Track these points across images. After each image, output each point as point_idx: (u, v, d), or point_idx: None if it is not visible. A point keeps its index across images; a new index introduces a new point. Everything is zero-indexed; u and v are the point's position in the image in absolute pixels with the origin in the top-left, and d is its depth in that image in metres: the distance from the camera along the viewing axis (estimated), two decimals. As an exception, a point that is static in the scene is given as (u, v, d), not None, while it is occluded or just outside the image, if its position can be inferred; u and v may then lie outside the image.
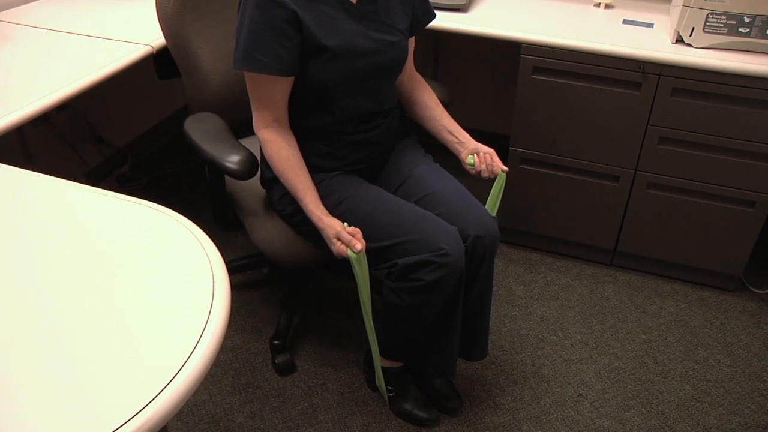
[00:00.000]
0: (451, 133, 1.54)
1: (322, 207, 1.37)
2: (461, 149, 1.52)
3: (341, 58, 1.34)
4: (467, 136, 1.53)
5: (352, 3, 1.36)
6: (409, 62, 1.57)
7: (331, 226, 1.33)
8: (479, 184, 1.57)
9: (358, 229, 1.32)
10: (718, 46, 1.75)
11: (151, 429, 0.74)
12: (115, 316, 0.87)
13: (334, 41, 1.32)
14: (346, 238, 1.31)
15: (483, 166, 1.48)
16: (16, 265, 0.96)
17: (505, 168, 1.49)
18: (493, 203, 1.53)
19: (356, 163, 1.50)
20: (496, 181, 1.50)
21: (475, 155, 1.49)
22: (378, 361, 1.58)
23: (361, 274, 1.35)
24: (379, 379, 1.62)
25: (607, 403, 1.70)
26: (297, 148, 1.40)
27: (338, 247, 1.32)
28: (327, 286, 2.06)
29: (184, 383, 0.78)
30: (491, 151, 1.50)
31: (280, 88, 1.35)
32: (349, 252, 1.31)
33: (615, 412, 1.68)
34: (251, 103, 1.39)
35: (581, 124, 1.92)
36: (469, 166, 1.50)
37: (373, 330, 1.49)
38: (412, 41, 1.55)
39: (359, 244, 1.30)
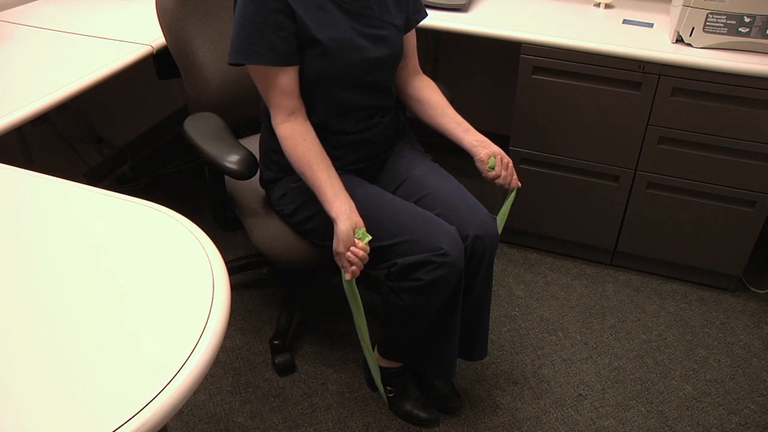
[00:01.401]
0: (468, 132, 1.51)
1: (337, 206, 1.32)
2: (480, 149, 1.47)
3: (333, 52, 1.34)
4: (485, 138, 1.50)
5: None
6: (413, 61, 1.57)
7: (338, 237, 1.31)
8: (479, 184, 1.57)
9: (362, 255, 1.31)
10: (718, 46, 1.75)
11: (150, 429, 0.74)
12: (115, 316, 0.87)
13: (326, 35, 1.32)
14: (342, 262, 1.33)
15: (503, 173, 1.47)
16: (16, 265, 0.96)
17: (520, 183, 1.50)
18: (502, 218, 1.53)
19: (355, 163, 1.50)
20: (510, 196, 1.52)
21: (498, 158, 1.47)
22: (377, 374, 1.58)
23: (352, 296, 1.37)
24: (377, 379, 1.62)
25: (607, 403, 1.70)
26: (315, 140, 1.38)
27: (337, 261, 1.35)
28: (327, 286, 2.06)
29: (184, 383, 0.78)
30: (511, 161, 1.49)
31: (285, 78, 1.34)
32: (343, 281, 1.33)
33: (615, 412, 1.68)
34: (265, 100, 1.38)
35: (581, 124, 1.92)
36: (488, 169, 1.46)
37: (370, 350, 1.50)
38: (412, 39, 1.55)
39: (348, 275, 1.32)
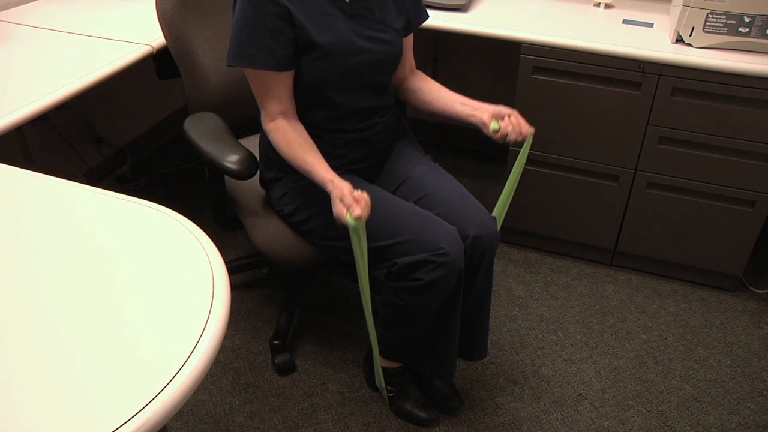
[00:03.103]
0: (464, 104, 1.49)
1: (332, 172, 1.30)
2: (480, 115, 1.44)
3: (333, 55, 1.34)
4: (481, 103, 1.47)
5: (345, 1, 1.36)
6: (410, 59, 1.57)
7: (339, 187, 1.26)
8: (479, 184, 1.57)
9: (366, 196, 1.24)
10: (718, 46, 1.75)
11: (150, 429, 0.74)
12: (115, 316, 0.87)
13: (326, 38, 1.32)
14: (348, 201, 1.22)
15: (510, 128, 1.39)
16: (16, 265, 0.95)
17: (532, 129, 1.42)
18: (518, 170, 1.47)
19: (354, 163, 1.50)
20: (524, 147, 1.45)
21: (499, 120, 1.41)
22: (377, 357, 1.58)
23: (359, 246, 1.28)
24: (379, 377, 1.62)
25: (607, 403, 1.70)
26: (305, 133, 1.38)
27: (338, 209, 1.24)
28: (327, 286, 2.06)
29: (184, 383, 0.78)
30: (514, 111, 1.43)
31: (281, 82, 1.34)
32: (347, 217, 1.22)
33: (615, 412, 1.68)
34: (257, 100, 1.39)
35: (581, 124, 1.92)
36: (493, 132, 1.41)
37: (371, 312, 1.46)
38: (409, 40, 1.55)
39: (358, 210, 1.21)
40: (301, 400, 1.69)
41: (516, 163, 1.49)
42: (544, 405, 1.69)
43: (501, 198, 1.55)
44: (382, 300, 1.47)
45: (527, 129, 1.40)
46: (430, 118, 2.70)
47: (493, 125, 1.40)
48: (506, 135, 1.39)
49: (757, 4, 1.66)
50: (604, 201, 2.02)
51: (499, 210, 1.56)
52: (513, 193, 1.54)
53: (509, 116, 1.41)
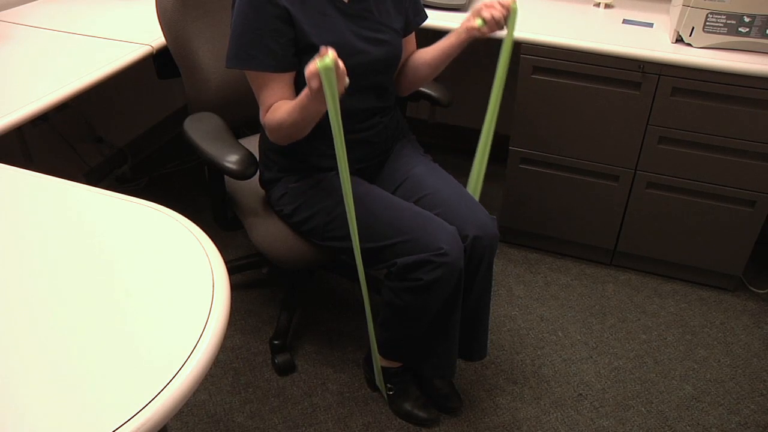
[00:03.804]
0: (449, 36, 1.46)
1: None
2: (464, 26, 1.41)
3: None
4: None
5: (344, 2, 1.36)
6: (412, 51, 1.58)
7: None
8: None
9: (331, 47, 1.11)
10: (718, 46, 1.75)
11: (150, 429, 0.74)
12: (114, 316, 0.87)
13: (325, 39, 1.32)
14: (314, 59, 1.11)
15: (492, 11, 1.37)
16: (16, 265, 0.96)
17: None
18: (494, 105, 1.43)
19: (355, 163, 1.50)
20: (509, 25, 1.40)
21: (479, 16, 1.38)
22: (377, 357, 1.58)
23: (330, 93, 1.15)
24: (379, 376, 1.62)
25: (607, 403, 1.70)
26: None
27: (309, 69, 1.12)
28: (327, 286, 2.06)
29: (184, 383, 0.78)
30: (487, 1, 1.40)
31: (281, 83, 1.34)
32: (317, 63, 1.10)
33: (615, 412, 1.68)
34: (257, 100, 1.39)
35: (581, 124, 1.92)
36: (482, 27, 1.38)
37: (370, 310, 1.44)
38: (412, 39, 1.55)
39: (322, 52, 1.09)
40: (301, 400, 1.69)
41: (503, 46, 1.42)
42: (544, 405, 1.69)
43: (490, 104, 1.47)
44: (382, 300, 1.47)
45: (507, 1, 1.38)
46: (429, 118, 2.70)
47: (478, 21, 1.39)
48: (492, 19, 1.37)
49: (757, 4, 1.66)
50: (604, 201, 2.02)
51: (488, 122, 1.49)
52: (500, 98, 1.47)
53: (485, 6, 1.38)
